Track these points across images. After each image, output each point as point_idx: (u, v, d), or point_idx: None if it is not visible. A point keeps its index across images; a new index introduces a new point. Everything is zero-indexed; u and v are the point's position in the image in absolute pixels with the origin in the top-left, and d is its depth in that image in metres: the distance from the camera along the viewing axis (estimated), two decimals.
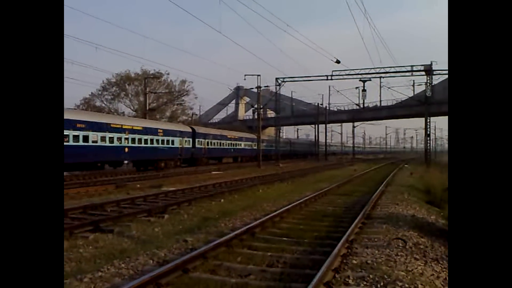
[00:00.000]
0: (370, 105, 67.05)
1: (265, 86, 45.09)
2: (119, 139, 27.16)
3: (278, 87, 46.51)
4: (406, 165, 44.48)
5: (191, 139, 37.63)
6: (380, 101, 62.32)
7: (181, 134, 35.84)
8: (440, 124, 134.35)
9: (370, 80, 44.36)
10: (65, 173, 22.35)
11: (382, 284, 5.33)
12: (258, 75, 41.67)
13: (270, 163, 45.30)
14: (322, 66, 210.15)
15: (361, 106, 51.23)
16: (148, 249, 7.07)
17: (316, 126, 68.76)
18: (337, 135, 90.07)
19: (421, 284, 5.43)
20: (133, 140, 28.75)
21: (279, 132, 60.98)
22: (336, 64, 34.35)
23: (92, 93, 55.02)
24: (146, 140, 30.28)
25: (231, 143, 47.15)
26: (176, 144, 34.59)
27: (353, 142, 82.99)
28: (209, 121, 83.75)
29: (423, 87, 45.96)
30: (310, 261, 6.37)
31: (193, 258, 6.10)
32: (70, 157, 21.89)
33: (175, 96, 57.77)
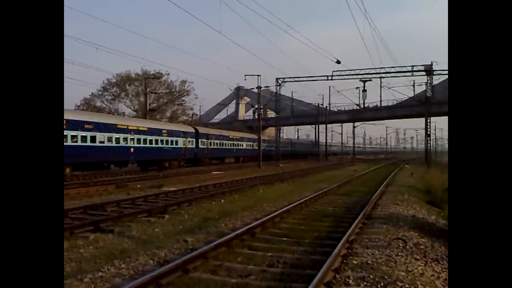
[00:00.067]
0: (371, 105, 67.05)
1: (265, 86, 45.09)
2: (125, 139, 27.74)
3: (278, 87, 46.54)
4: (406, 165, 44.46)
5: (194, 140, 38.08)
6: (381, 101, 62.20)
7: (185, 134, 36.35)
8: (441, 124, 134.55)
9: (371, 80, 44.48)
10: (70, 173, 22.79)
11: (382, 284, 5.33)
12: (258, 75, 41.88)
13: (270, 163, 45.32)
14: (322, 66, 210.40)
15: (362, 106, 51.31)
16: (149, 249, 7.07)
17: (317, 126, 68.78)
18: (338, 135, 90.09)
19: (422, 285, 5.42)
20: (139, 140, 29.27)
21: (279, 132, 60.98)
22: (337, 64, 34.38)
23: (92, 93, 55.19)
24: (151, 141, 30.82)
25: (233, 144, 47.51)
26: (180, 145, 35.08)
27: (354, 142, 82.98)
28: (209, 122, 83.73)
29: (423, 87, 46.03)
30: (311, 261, 6.37)
31: (193, 258, 6.10)
32: (78, 157, 22.75)
33: (176, 96, 57.78)
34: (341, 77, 43.68)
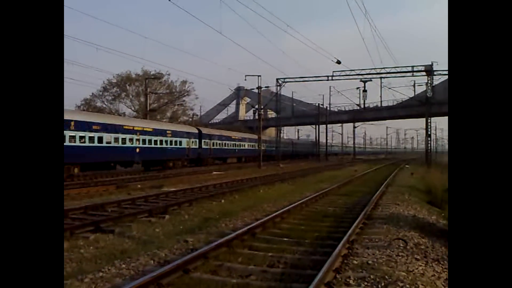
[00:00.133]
0: (371, 106, 67.12)
1: (265, 87, 45.06)
2: (131, 140, 28.47)
3: (278, 87, 46.53)
4: (407, 166, 44.45)
5: (197, 140, 38.63)
6: (381, 101, 62.37)
7: (188, 135, 36.92)
8: (441, 125, 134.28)
9: (371, 80, 44.50)
10: (78, 173, 23.37)
11: (383, 284, 5.33)
12: (258, 76, 41.75)
13: (270, 163, 45.34)
14: (322, 67, 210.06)
15: (362, 106, 51.30)
16: (149, 250, 7.07)
17: (317, 126, 68.77)
18: (338, 135, 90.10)
19: (422, 285, 5.42)
20: (144, 141, 29.88)
21: (280, 132, 60.99)
22: (337, 64, 34.37)
23: (92, 93, 55.17)
24: (156, 141, 31.46)
25: (235, 144, 48.00)
26: (184, 145, 35.68)
27: (354, 142, 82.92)
28: (210, 122, 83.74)
29: (424, 88, 45.99)
30: (311, 262, 6.37)
31: (194, 258, 6.11)
32: (86, 157, 23.54)
33: (176, 96, 57.80)
34: (342, 77, 43.63)
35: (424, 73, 42.90)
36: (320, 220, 10.34)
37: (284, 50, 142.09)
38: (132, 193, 15.89)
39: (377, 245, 7.54)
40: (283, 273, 5.82)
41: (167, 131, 33.58)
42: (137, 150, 28.93)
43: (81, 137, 23.46)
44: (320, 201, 14.20)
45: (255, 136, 51.92)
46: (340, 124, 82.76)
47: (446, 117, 61.24)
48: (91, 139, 24.27)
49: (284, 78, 46.40)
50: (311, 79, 46.43)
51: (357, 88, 52.69)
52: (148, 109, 44.90)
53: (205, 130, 42.17)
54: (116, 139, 26.78)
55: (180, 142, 35.13)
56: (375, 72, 43.16)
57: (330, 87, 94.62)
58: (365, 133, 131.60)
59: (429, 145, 46.31)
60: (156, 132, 31.63)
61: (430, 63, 42.19)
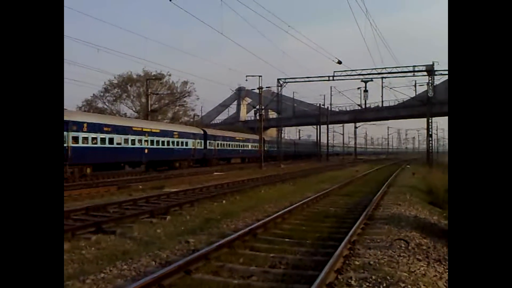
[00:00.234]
0: (372, 106, 67.03)
1: (266, 87, 45.16)
2: (140, 141, 29.30)
3: (279, 88, 46.49)
4: (408, 166, 44.40)
5: (202, 141, 39.45)
6: (382, 101, 62.24)
7: (194, 136, 37.82)
8: (442, 125, 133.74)
9: (372, 80, 44.41)
10: (91, 173, 24.07)
11: (384, 285, 5.32)
12: (259, 76, 41.76)
13: (271, 164, 45.39)
14: (323, 67, 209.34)
15: (363, 106, 51.24)
16: (151, 251, 7.07)
17: (318, 126, 68.70)
18: (339, 135, 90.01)
19: (424, 285, 5.41)
20: (152, 142, 30.70)
21: (281, 133, 60.97)
22: (338, 64, 34.28)
23: (94, 94, 55.25)
24: (163, 142, 32.30)
25: (239, 145, 48.69)
26: (190, 146, 36.58)
27: (355, 142, 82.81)
28: (211, 122, 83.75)
29: (425, 88, 45.86)
30: (313, 262, 6.36)
31: (195, 259, 6.10)
32: (98, 158, 24.46)
33: (177, 97, 57.82)
34: (343, 77, 43.55)
35: (425, 73, 42.80)
36: (321, 221, 10.33)
37: (285, 50, 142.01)
38: (133, 194, 15.89)
39: (378, 246, 7.53)
40: (285, 274, 5.82)
41: (174, 132, 34.35)
42: (146, 151, 29.79)
43: (93, 138, 24.25)
44: (321, 201, 14.19)
45: (258, 137, 52.05)
46: (341, 124, 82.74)
47: (447, 117, 61.10)
48: (103, 140, 25.14)
49: (285, 79, 46.37)
50: (312, 79, 46.39)
51: (358, 88, 52.47)
52: (149, 109, 44.96)
53: (210, 131, 42.82)
54: (126, 140, 27.63)
55: (186, 143, 35.94)
56: (376, 72, 43.09)
57: (331, 87, 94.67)
58: (366, 133, 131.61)
59: (430, 145, 46.25)
60: (163, 133, 32.44)
61: (431, 63, 42.12)
